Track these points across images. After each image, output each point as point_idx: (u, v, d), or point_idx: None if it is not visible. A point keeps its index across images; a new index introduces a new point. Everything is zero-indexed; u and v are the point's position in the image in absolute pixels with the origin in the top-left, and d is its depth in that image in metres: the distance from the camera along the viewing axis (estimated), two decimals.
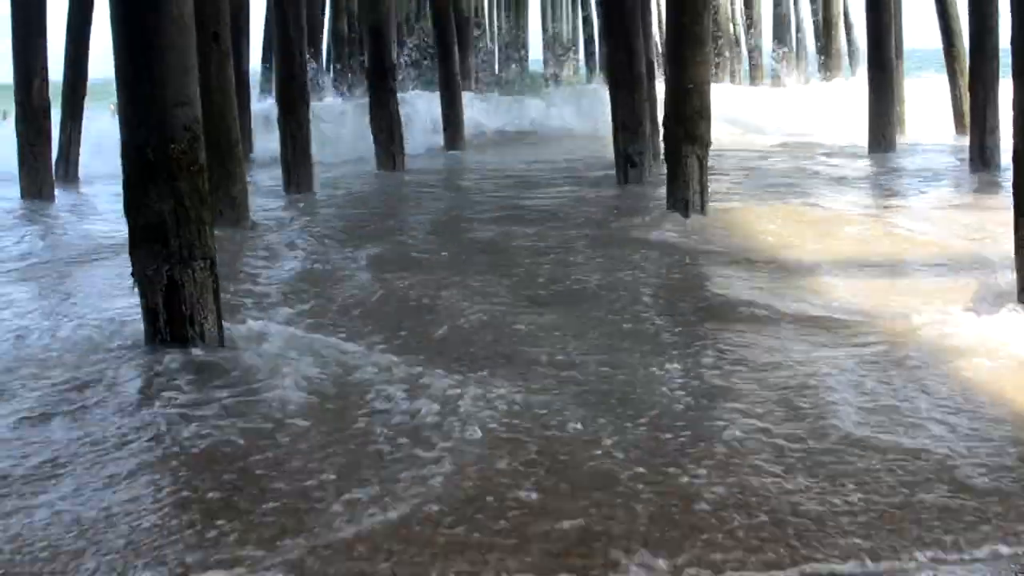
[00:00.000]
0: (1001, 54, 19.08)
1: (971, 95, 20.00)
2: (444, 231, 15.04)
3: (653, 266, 12.11)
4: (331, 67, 39.57)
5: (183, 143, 8.80)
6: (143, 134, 8.80)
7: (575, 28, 66.22)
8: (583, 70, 57.66)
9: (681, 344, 8.77)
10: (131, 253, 8.95)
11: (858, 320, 9.28)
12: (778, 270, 11.48)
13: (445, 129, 28.12)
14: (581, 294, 10.81)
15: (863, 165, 22.10)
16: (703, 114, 14.30)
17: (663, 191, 15.01)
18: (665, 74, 14.95)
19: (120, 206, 9.13)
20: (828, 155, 24.34)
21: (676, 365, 8.11)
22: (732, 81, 45.72)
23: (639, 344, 8.83)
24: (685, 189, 14.39)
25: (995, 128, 19.41)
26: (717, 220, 14.39)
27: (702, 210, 14.54)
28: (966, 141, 20.94)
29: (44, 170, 20.17)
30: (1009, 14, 9.09)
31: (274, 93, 22.22)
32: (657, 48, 37.00)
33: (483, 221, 15.89)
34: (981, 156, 19.72)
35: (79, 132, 23.30)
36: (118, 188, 9.21)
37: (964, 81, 23.31)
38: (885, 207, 16.67)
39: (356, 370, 8.28)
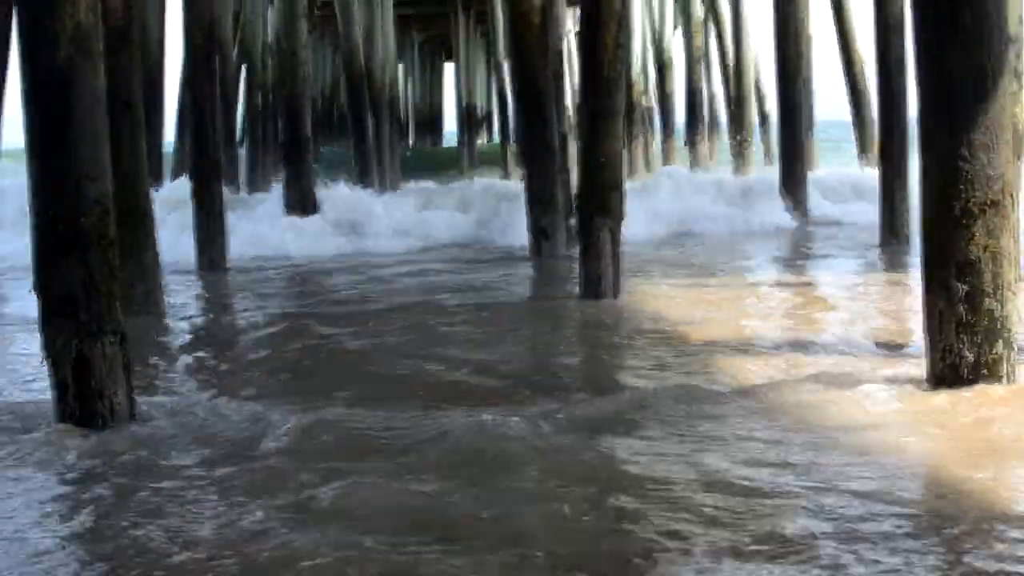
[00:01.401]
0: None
1: (881, 171, 20.20)
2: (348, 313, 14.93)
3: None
4: (244, 141, 39.46)
5: (93, 217, 8.75)
6: (53, 207, 8.75)
7: (489, 99, 66.66)
8: (496, 139, 57.98)
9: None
10: (41, 328, 8.88)
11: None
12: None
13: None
14: None
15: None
16: (616, 187, 14.40)
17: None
18: (578, 148, 15.05)
19: None
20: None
21: None
22: (645, 154, 46.07)
23: None
24: (597, 262, 14.44)
25: (904, 200, 19.61)
26: (629, 305, 14.41)
27: (614, 293, 14.57)
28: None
29: None
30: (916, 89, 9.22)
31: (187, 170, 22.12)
32: (570, 120, 37.25)
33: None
34: (891, 230, 19.90)
35: None
36: None
37: (874, 151, 23.58)
38: (795, 280, 16.85)
39: None
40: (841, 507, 6.53)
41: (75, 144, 8.70)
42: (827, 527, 6.22)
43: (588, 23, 14.44)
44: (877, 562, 5.77)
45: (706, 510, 6.57)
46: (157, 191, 20.17)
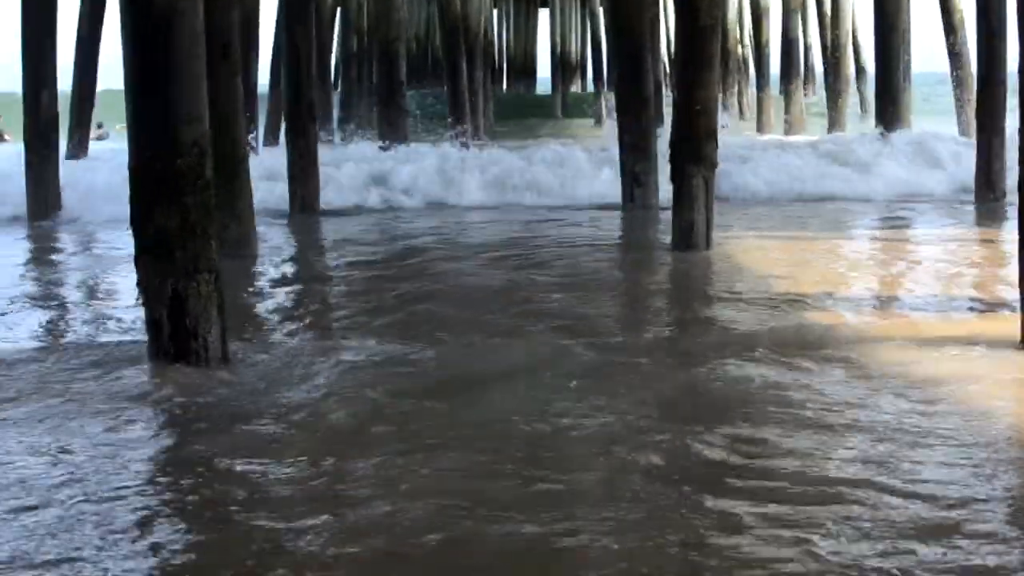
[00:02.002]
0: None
1: (978, 125, 19.98)
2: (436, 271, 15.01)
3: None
4: (338, 84, 39.60)
5: (191, 158, 8.83)
6: (151, 147, 8.83)
7: (583, 46, 66.39)
8: (591, 87, 57.77)
9: None
10: (136, 265, 8.98)
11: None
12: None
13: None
14: None
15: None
16: (711, 135, 14.31)
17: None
18: (673, 95, 15.00)
19: None
20: None
21: None
22: (740, 102, 45.77)
23: None
24: (690, 211, 14.37)
25: (1001, 157, 19.39)
26: (722, 257, 14.35)
27: (707, 243, 14.50)
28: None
29: (54, 182, 20.05)
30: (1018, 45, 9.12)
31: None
32: (664, 68, 37.09)
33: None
34: (988, 185, 19.69)
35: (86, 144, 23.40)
36: None
37: (971, 108, 23.33)
38: (890, 236, 16.74)
39: None
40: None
41: (174, 85, 8.76)
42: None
43: None
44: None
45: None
46: (252, 133, 20.35)
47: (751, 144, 25.38)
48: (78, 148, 23.78)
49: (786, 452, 6.64)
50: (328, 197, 20.37)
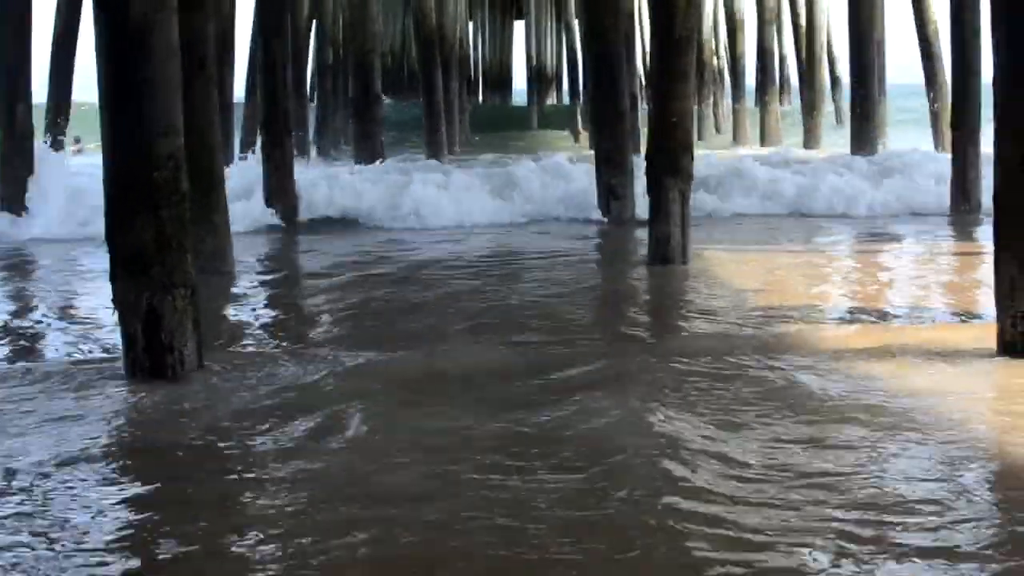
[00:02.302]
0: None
1: (953, 136, 20.07)
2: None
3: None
4: (314, 96, 39.58)
5: (166, 171, 8.81)
6: (127, 160, 8.82)
7: (559, 58, 66.45)
8: (567, 99, 57.80)
9: None
10: (112, 281, 8.95)
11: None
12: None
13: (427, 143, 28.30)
14: None
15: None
16: (687, 147, 14.33)
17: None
18: (649, 108, 15.03)
19: None
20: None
21: None
22: (715, 113, 45.87)
23: None
24: (666, 223, 14.38)
25: (976, 167, 19.47)
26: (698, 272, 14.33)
27: (683, 256, 14.48)
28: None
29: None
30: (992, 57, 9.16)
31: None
32: (640, 81, 37.11)
33: None
34: (963, 195, 19.76)
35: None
36: None
37: (946, 117, 23.41)
38: (866, 247, 16.79)
39: None
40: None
41: (149, 97, 8.75)
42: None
43: None
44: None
45: None
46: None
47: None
48: None
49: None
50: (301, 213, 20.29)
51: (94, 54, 8.99)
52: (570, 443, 7.09)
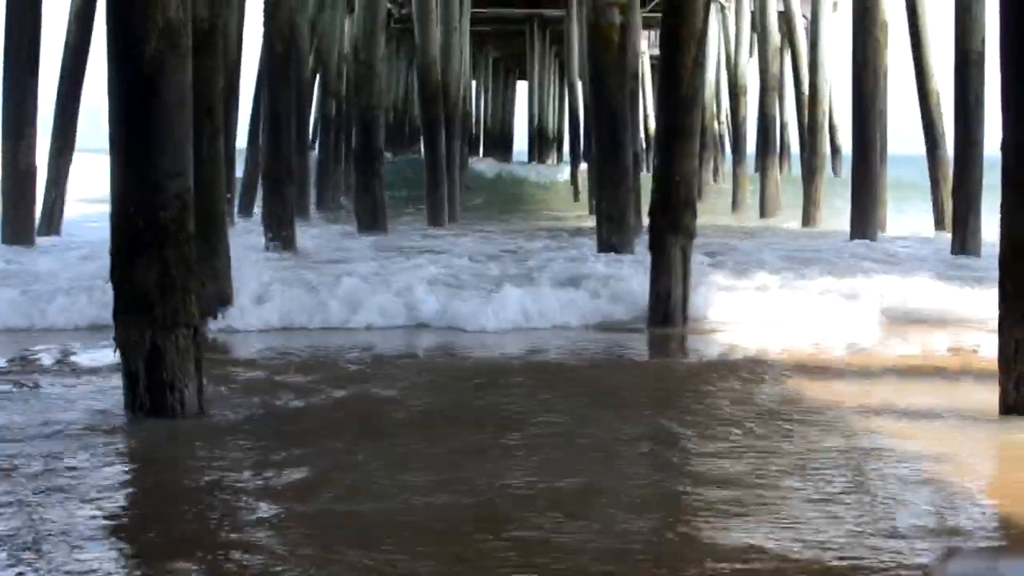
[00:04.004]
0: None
1: (954, 205, 20.24)
2: None
3: None
4: (315, 147, 39.67)
5: (173, 211, 8.83)
6: (134, 200, 8.84)
7: (560, 119, 66.67)
8: (567, 159, 57.91)
9: None
10: (115, 318, 8.96)
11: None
12: None
13: (429, 209, 28.23)
14: None
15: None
16: (690, 205, 14.35)
17: None
18: (653, 166, 15.05)
19: None
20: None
21: None
22: (715, 178, 45.97)
23: None
24: (668, 279, 14.36)
25: (976, 230, 19.65)
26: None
27: (683, 313, 14.38)
28: (945, 235, 21.22)
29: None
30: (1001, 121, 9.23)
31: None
32: (641, 143, 37.24)
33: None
34: (963, 250, 19.96)
35: (63, 195, 23.41)
36: None
37: (947, 187, 23.52)
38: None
39: None
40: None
41: (159, 138, 8.79)
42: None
43: (668, 41, 14.45)
44: None
45: None
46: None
47: None
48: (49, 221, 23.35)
49: None
50: None
51: (107, 100, 9.03)
52: None
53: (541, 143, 59.15)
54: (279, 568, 5.81)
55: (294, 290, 14.97)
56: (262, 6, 23.08)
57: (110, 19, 9.02)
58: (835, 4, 37.83)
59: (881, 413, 9.46)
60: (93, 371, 10.90)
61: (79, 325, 13.78)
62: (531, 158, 57.30)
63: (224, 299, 14.78)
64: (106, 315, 9.69)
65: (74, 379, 10.72)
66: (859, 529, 6.46)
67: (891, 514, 6.76)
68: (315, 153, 38.08)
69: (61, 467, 7.55)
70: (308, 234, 23.31)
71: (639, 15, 26.28)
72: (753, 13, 39.10)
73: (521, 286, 15.41)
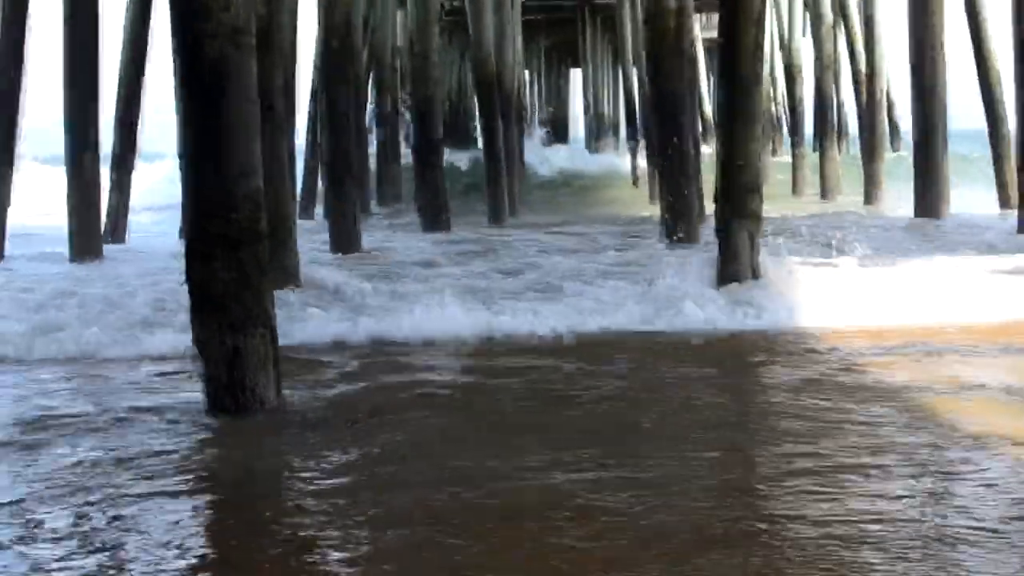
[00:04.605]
0: None
1: (1019, 183, 20.06)
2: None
3: None
4: (374, 145, 39.73)
5: (245, 212, 8.90)
6: (206, 203, 8.90)
7: (616, 105, 66.47)
8: (624, 146, 57.61)
9: None
10: (192, 320, 9.03)
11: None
12: None
13: (490, 205, 27.76)
14: None
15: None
16: (755, 189, 14.29)
17: None
18: (717, 150, 15.00)
19: None
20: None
21: None
22: (774, 156, 45.68)
23: None
24: (735, 263, 14.30)
25: None
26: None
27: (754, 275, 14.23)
28: (1011, 214, 20.99)
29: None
30: None
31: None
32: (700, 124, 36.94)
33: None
34: None
35: (127, 203, 23.54)
36: None
37: (1010, 165, 23.32)
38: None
39: None
40: None
41: (229, 139, 8.85)
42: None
43: (728, 24, 14.41)
44: None
45: None
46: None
47: None
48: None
49: None
50: None
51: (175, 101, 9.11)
52: None
53: (598, 130, 58.97)
54: None
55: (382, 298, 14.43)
56: (315, 2, 23.19)
57: (175, 21, 9.09)
58: None
59: None
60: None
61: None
62: (588, 146, 57.17)
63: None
64: None
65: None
66: None
67: None
68: (372, 149, 38.08)
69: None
70: (372, 233, 23.34)
71: None
72: None
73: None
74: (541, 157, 51.71)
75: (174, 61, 9.20)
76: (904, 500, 6.69)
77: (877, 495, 6.77)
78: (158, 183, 31.97)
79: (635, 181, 42.40)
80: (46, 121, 21.25)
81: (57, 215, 21.08)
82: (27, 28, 19.90)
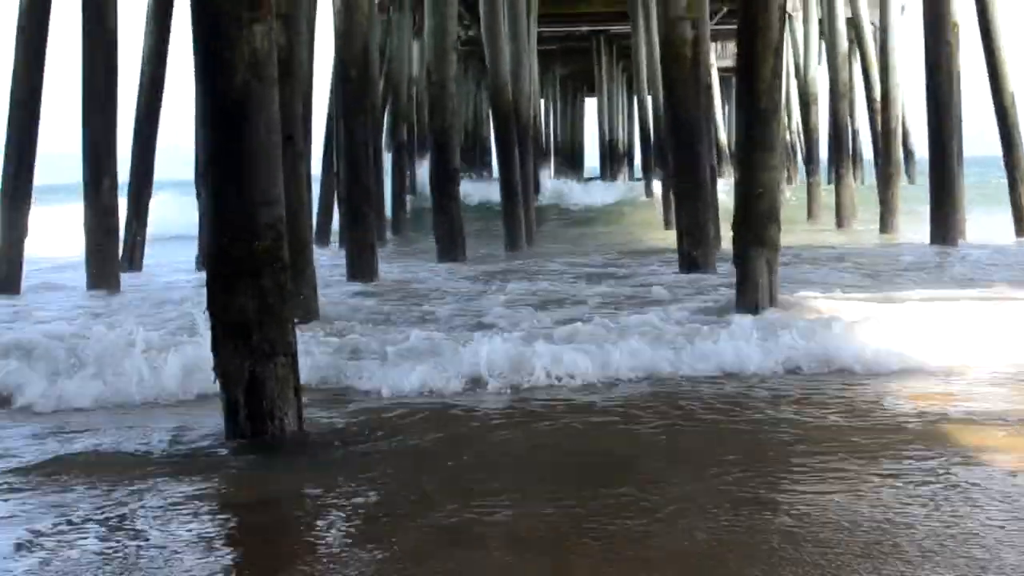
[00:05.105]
0: None
1: None
2: None
3: None
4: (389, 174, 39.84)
5: (268, 240, 8.93)
6: (228, 231, 8.93)
7: (631, 134, 66.63)
8: (638, 175, 57.71)
9: None
10: (213, 349, 9.05)
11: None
12: None
13: (507, 233, 27.71)
14: None
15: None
16: (773, 217, 14.33)
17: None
18: (735, 178, 15.04)
19: None
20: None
21: None
22: (788, 184, 45.67)
23: None
24: (753, 292, 14.33)
25: None
26: None
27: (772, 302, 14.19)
28: None
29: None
30: None
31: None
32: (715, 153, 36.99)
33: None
34: None
35: (144, 231, 23.66)
36: None
37: None
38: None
39: None
40: None
41: (251, 168, 8.89)
42: None
43: (746, 53, 14.46)
44: None
45: None
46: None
47: None
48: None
49: None
50: None
51: (195, 130, 9.16)
52: None
53: (612, 158, 59.18)
54: None
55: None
56: (332, 32, 23.26)
57: (198, 51, 9.12)
58: (903, 8, 37.59)
59: None
60: None
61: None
62: (603, 174, 57.41)
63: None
64: None
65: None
66: None
67: None
68: (387, 179, 38.17)
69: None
70: (389, 261, 23.41)
71: (708, 28, 26.11)
72: (821, 21, 38.86)
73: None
74: (557, 185, 51.99)
75: (196, 91, 9.23)
76: None
77: None
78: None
79: (649, 191, 42.36)
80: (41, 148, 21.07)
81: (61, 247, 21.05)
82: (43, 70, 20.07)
